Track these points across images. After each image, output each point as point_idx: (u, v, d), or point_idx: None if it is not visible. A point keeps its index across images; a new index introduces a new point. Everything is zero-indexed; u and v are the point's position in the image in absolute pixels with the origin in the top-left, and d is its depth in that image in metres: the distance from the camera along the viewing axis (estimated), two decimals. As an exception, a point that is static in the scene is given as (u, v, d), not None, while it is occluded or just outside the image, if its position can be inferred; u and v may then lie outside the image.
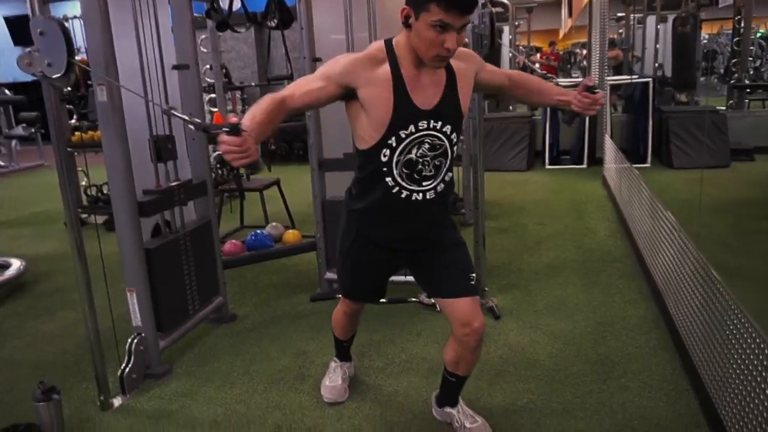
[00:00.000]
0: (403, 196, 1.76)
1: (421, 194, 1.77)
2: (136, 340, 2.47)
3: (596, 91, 1.80)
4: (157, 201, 2.58)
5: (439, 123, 1.71)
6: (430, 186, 1.77)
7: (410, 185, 1.75)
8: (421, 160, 1.72)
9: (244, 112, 8.20)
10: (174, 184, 2.72)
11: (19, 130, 8.86)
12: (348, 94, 1.68)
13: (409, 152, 1.71)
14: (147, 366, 2.54)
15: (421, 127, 1.69)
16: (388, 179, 1.74)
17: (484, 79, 1.86)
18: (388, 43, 1.71)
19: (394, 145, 1.69)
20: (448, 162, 1.78)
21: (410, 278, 2.93)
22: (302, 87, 1.67)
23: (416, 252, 1.91)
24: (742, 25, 8.25)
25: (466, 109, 1.77)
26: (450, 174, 1.82)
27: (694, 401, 2.16)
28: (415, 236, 1.87)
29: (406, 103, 1.67)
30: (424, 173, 1.75)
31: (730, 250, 3.68)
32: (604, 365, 2.45)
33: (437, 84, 1.71)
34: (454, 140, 1.77)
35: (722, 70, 9.65)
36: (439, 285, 1.90)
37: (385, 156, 1.71)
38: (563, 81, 9.15)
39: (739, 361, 1.77)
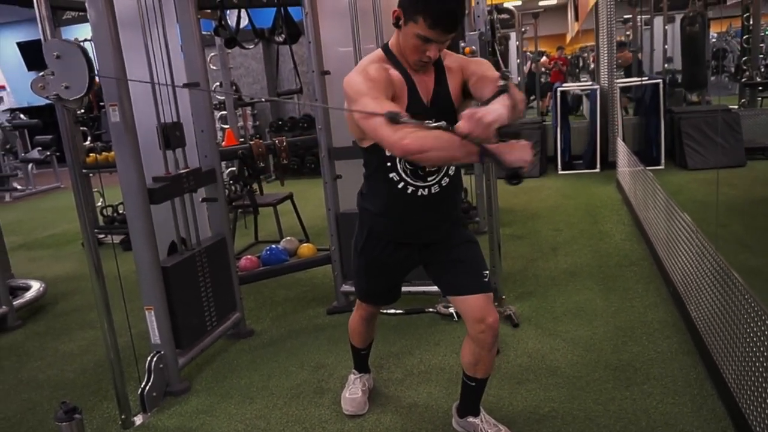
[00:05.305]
0: (409, 191, 1.81)
1: (426, 189, 1.82)
2: (155, 358, 2.48)
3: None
4: (167, 188, 2.57)
5: (437, 117, 1.71)
6: (435, 181, 1.82)
7: (415, 181, 1.80)
8: None
9: (255, 127, 8.26)
10: (183, 171, 2.72)
11: (35, 154, 9.01)
12: None
13: None
14: (167, 383, 2.55)
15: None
16: (393, 174, 1.79)
17: (472, 86, 1.76)
18: (386, 48, 1.78)
19: None
20: None
21: (427, 288, 2.99)
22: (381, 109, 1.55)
23: (428, 248, 1.93)
24: (751, 22, 8.18)
25: (457, 101, 1.79)
26: (453, 168, 1.85)
27: (719, 406, 2.12)
28: (424, 230, 1.90)
29: (417, 102, 1.73)
30: (427, 169, 1.79)
31: (749, 249, 3.63)
32: (626, 371, 2.42)
33: (429, 78, 1.77)
34: None
35: (733, 69, 9.56)
36: (453, 282, 1.91)
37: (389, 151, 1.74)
38: (572, 85, 9.13)
39: (766, 363, 1.74)
